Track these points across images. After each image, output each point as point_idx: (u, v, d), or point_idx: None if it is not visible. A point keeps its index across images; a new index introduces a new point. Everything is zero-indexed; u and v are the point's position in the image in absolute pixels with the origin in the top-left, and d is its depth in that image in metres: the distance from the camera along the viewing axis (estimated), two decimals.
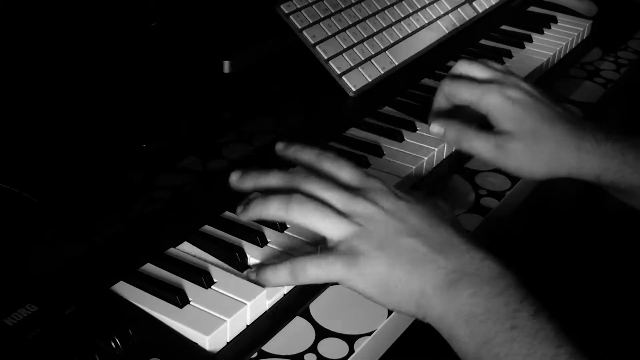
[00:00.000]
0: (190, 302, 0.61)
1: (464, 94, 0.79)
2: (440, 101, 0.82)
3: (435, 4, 1.10)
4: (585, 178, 0.76)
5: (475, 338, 0.57)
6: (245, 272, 0.64)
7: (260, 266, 0.63)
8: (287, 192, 0.62)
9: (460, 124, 0.79)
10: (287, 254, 0.66)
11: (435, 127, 0.80)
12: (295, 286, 0.65)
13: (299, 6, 0.94)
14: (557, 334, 0.56)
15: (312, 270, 0.60)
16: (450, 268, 0.59)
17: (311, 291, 0.66)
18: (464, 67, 0.82)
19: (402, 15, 1.04)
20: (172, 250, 0.67)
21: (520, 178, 0.83)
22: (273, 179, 0.64)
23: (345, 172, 0.65)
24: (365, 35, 0.98)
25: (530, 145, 0.75)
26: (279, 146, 0.69)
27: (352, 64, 0.94)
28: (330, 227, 0.61)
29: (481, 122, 0.79)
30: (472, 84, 0.79)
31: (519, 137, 0.75)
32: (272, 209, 0.62)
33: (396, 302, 0.60)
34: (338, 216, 0.61)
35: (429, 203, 0.64)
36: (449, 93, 0.80)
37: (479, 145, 0.77)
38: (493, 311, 0.57)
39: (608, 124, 0.78)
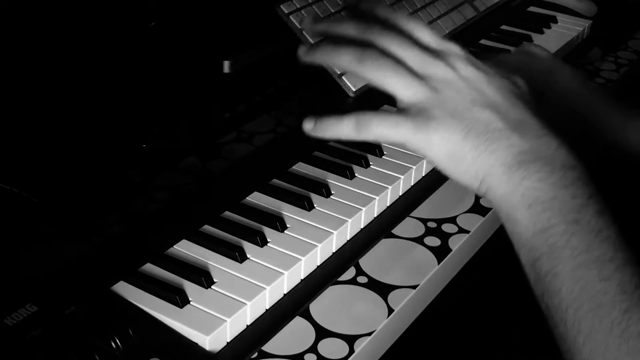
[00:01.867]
0: (190, 302, 0.61)
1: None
2: None
3: (435, 4, 1.10)
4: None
5: (534, 224, 0.55)
6: (303, 123, 0.62)
7: (320, 116, 0.61)
8: (360, 43, 0.60)
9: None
10: (288, 255, 0.66)
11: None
12: (296, 286, 0.66)
13: (299, 6, 0.94)
14: (617, 238, 0.53)
15: (378, 126, 0.58)
16: (523, 148, 0.56)
17: (311, 291, 0.66)
18: None
19: None
20: (172, 250, 0.67)
21: None
22: (347, 28, 0.61)
23: (424, 33, 0.61)
24: None
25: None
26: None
27: None
28: (403, 87, 0.58)
29: None
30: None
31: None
32: (344, 59, 0.59)
33: (460, 173, 0.58)
34: (413, 77, 0.58)
35: (509, 80, 0.61)
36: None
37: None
38: (559, 200, 0.54)
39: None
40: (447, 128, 0.57)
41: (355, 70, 0.59)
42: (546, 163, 0.56)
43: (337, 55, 0.60)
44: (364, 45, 0.59)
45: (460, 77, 0.59)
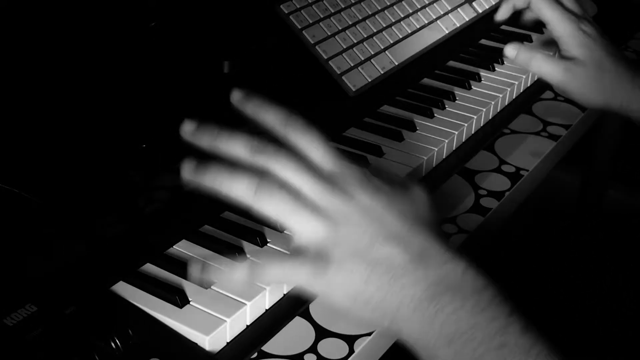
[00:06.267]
0: (190, 302, 0.61)
1: (547, 13, 0.88)
2: (520, 2, 0.92)
3: (435, 4, 1.10)
4: (633, 114, 0.85)
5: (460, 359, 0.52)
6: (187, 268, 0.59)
7: (204, 265, 0.57)
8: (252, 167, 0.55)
9: (531, 48, 0.88)
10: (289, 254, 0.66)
11: (509, 49, 0.88)
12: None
13: (298, 6, 0.94)
14: (550, 352, 0.51)
15: (274, 271, 0.55)
16: (430, 280, 0.53)
17: None
18: None
19: (402, 15, 1.05)
20: (172, 250, 0.67)
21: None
22: (238, 147, 0.56)
23: (318, 151, 0.57)
24: (365, 35, 0.98)
25: (594, 73, 0.84)
26: (236, 95, 0.60)
27: (352, 64, 0.94)
28: (300, 224, 0.54)
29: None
30: (557, 6, 0.88)
31: (585, 64, 0.85)
32: (238, 189, 0.54)
33: (369, 316, 0.54)
34: (311, 213, 0.54)
35: (408, 196, 0.58)
36: (536, 2, 0.89)
37: (548, 67, 0.86)
38: (479, 328, 0.51)
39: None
40: (348, 271, 0.53)
41: (250, 202, 0.54)
42: (456, 292, 0.53)
43: (232, 185, 0.55)
44: (259, 174, 0.55)
45: (358, 206, 0.55)
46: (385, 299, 0.53)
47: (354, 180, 0.56)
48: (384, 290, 0.53)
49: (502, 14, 0.93)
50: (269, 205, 0.54)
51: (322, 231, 0.54)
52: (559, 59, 0.87)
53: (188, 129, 0.58)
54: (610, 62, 0.85)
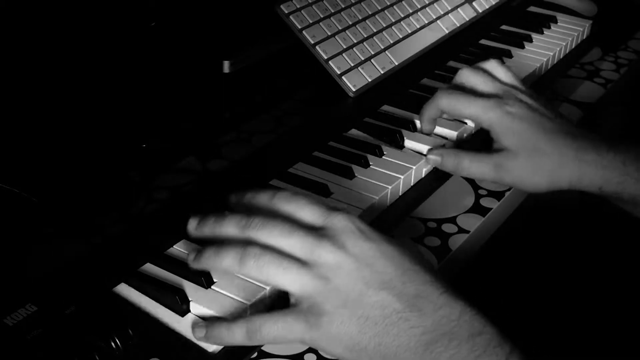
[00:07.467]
0: (190, 302, 0.61)
1: (464, 110, 0.78)
2: (431, 112, 0.82)
3: (435, 4, 1.10)
4: (587, 189, 0.75)
5: None
6: (191, 328, 0.59)
7: (210, 322, 0.58)
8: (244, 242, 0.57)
9: (455, 150, 0.79)
10: None
11: (432, 157, 0.80)
12: None
13: (299, 6, 0.94)
14: None
15: (270, 331, 0.55)
16: (425, 327, 0.53)
17: None
18: (465, 76, 0.81)
19: (402, 15, 1.05)
20: (172, 250, 0.67)
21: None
22: (229, 227, 0.59)
23: (306, 211, 0.59)
24: (365, 35, 0.98)
25: (531, 160, 0.75)
26: (232, 199, 0.65)
27: (352, 64, 0.94)
28: (290, 281, 0.55)
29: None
30: (471, 98, 0.78)
31: (519, 152, 0.75)
32: (225, 262, 0.57)
33: None
34: (299, 268, 0.55)
35: (398, 244, 0.58)
36: (447, 107, 0.80)
37: (477, 169, 0.77)
38: None
39: (609, 135, 0.77)
40: (341, 322, 0.54)
41: (239, 272, 0.57)
42: (452, 338, 0.53)
43: (219, 260, 0.57)
44: (246, 244, 0.57)
45: (349, 255, 0.56)
46: (381, 347, 0.54)
47: (344, 230, 0.57)
48: (379, 338, 0.54)
49: (426, 129, 0.84)
50: (255, 269, 0.56)
51: (312, 285, 0.55)
52: (487, 155, 0.77)
53: (192, 226, 0.61)
54: (547, 144, 0.75)
